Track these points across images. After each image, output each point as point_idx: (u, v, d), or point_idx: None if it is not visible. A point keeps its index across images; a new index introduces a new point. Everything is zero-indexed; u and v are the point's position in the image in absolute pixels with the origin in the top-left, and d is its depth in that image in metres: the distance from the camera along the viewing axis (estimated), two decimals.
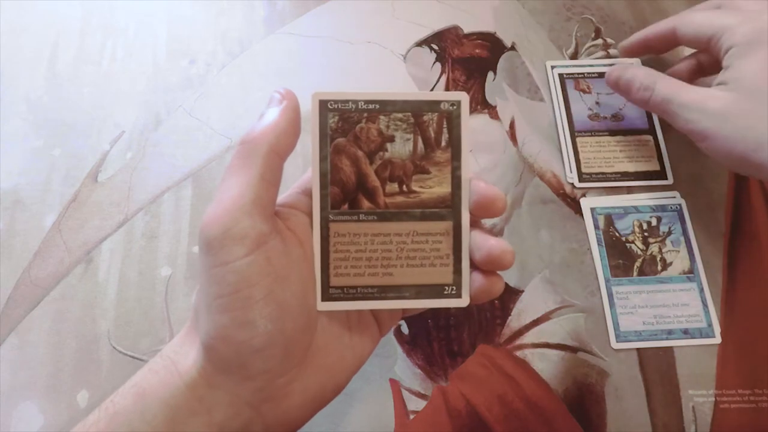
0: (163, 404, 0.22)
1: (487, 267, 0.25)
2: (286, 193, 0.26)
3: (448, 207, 0.25)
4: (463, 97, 0.25)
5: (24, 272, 0.34)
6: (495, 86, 0.41)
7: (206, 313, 0.22)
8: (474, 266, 0.25)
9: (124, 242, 0.35)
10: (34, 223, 0.35)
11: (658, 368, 0.33)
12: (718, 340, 0.33)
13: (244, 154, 0.23)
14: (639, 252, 0.35)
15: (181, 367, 0.23)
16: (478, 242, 0.25)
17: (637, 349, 0.33)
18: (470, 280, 0.25)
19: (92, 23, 0.42)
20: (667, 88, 0.33)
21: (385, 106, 0.25)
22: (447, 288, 0.25)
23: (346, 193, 0.25)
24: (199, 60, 0.41)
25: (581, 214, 0.37)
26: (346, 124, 0.24)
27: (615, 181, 0.37)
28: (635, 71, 0.36)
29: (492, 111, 0.40)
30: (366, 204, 0.25)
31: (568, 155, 0.38)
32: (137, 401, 0.22)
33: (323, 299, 0.24)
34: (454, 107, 0.25)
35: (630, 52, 0.40)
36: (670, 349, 0.33)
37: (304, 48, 0.41)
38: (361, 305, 0.25)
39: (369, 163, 0.25)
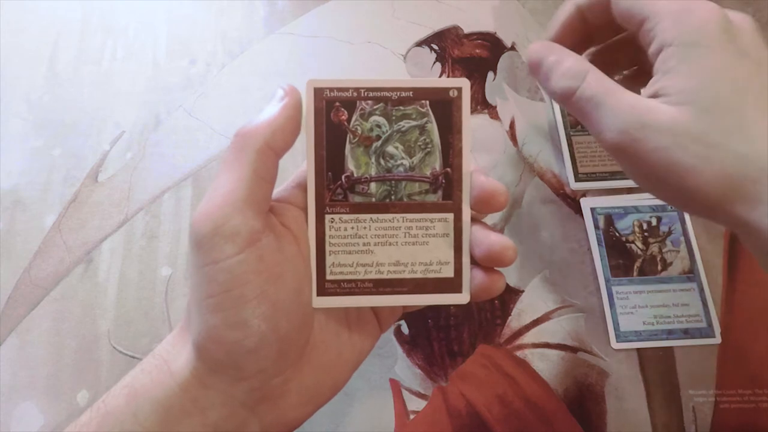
0: (155, 404, 0.21)
1: (487, 263, 0.24)
2: (280, 187, 0.25)
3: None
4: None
5: (24, 272, 0.34)
6: (495, 86, 0.41)
7: (197, 313, 0.22)
8: (475, 263, 0.24)
9: (124, 242, 0.35)
10: (34, 223, 0.35)
11: (658, 368, 0.33)
12: (718, 340, 0.33)
13: (238, 148, 0.22)
14: (639, 252, 0.35)
15: (173, 367, 0.22)
16: (478, 237, 0.24)
17: (637, 349, 0.33)
18: (471, 276, 0.24)
19: (92, 23, 0.42)
20: (598, 85, 0.24)
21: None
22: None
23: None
24: (199, 60, 0.41)
25: (581, 214, 0.37)
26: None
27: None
28: (562, 54, 0.26)
29: (492, 111, 0.40)
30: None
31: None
32: (129, 401, 0.22)
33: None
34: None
35: (562, 37, 0.28)
36: (670, 349, 0.33)
37: (304, 48, 0.41)
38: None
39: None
